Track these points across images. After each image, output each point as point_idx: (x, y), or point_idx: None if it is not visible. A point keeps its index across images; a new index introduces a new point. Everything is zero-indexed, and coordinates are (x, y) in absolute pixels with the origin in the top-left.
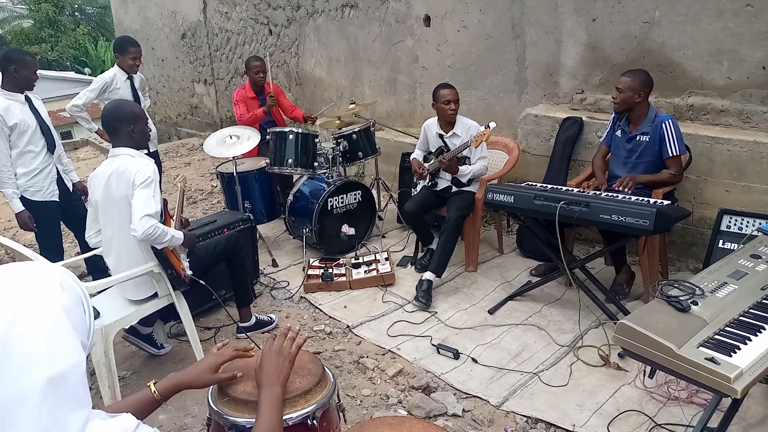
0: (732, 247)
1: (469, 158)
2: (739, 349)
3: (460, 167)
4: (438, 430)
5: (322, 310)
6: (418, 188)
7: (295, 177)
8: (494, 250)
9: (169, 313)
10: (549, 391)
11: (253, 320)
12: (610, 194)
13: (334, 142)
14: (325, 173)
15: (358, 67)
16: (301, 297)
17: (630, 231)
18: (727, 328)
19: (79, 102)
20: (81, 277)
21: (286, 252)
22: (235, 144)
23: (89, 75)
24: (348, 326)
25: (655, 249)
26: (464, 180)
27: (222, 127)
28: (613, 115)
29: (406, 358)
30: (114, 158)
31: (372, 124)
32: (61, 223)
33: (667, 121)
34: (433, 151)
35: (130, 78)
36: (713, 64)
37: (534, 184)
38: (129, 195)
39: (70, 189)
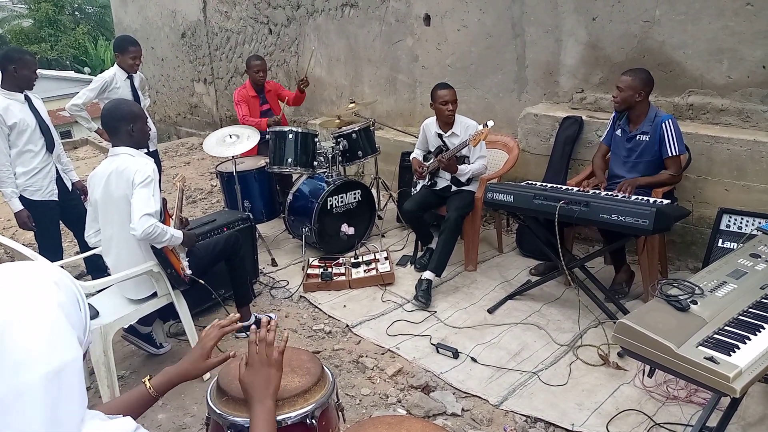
0: (731, 247)
1: (468, 157)
2: (739, 348)
3: (459, 166)
4: (437, 429)
5: (321, 310)
6: (418, 187)
7: (295, 176)
8: (494, 249)
9: (168, 313)
10: (548, 391)
11: (252, 319)
12: (609, 194)
13: (334, 141)
14: (324, 172)
15: (358, 66)
16: (301, 296)
17: (629, 230)
18: (726, 328)
19: (78, 101)
20: (80, 276)
21: (286, 251)
22: (234, 143)
23: (89, 74)
24: (347, 325)
25: (655, 248)
26: (463, 179)
27: (221, 127)
28: (613, 114)
29: (405, 357)
30: (113, 157)
31: (372, 124)
32: (61, 222)
33: (667, 121)
34: (432, 150)
35: (130, 77)
36: (713, 63)
37: (534, 183)
38: (128, 194)
39: (70, 188)
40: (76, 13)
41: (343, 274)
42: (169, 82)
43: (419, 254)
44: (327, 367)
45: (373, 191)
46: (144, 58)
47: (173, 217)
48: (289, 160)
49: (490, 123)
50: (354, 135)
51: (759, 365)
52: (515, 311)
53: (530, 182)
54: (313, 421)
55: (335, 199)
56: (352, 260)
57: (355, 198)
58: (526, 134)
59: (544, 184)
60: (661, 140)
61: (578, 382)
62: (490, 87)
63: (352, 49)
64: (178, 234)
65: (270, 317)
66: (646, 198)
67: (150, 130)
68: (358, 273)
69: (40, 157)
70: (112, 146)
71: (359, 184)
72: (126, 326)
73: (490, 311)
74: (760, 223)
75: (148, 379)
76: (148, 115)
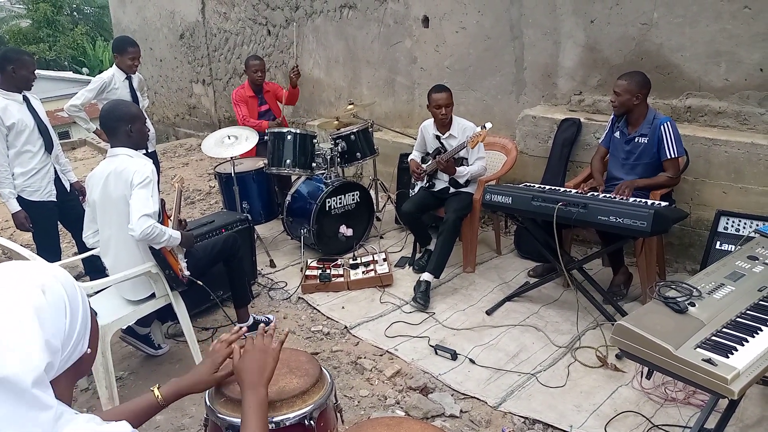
0: (729, 249)
1: (466, 159)
2: (737, 350)
3: (457, 168)
4: (436, 430)
5: (319, 311)
6: (416, 189)
7: (294, 177)
8: (492, 251)
9: (166, 314)
10: (546, 392)
11: (250, 321)
12: (607, 195)
13: (333, 142)
14: (323, 174)
15: (357, 67)
16: (299, 298)
17: (627, 232)
18: (724, 330)
19: (77, 102)
20: (78, 277)
21: (284, 252)
22: (233, 144)
23: (87, 75)
24: (346, 327)
25: (653, 250)
26: (462, 181)
27: (220, 128)
28: (611, 116)
29: (403, 358)
30: (112, 158)
31: (370, 125)
32: (59, 223)
33: (665, 124)
34: (430, 152)
35: (129, 78)
36: (711, 65)
37: (532, 185)
38: (127, 195)
39: (68, 189)
40: (75, 13)
41: (341, 276)
42: (168, 83)
43: (417, 256)
44: (325, 368)
45: (372, 193)
46: (142, 58)
47: (171, 218)
48: (288, 161)
49: (488, 125)
50: (352, 136)
51: (757, 367)
52: (513, 313)
53: (528, 184)
54: (312, 422)
55: (334, 200)
56: (351, 261)
57: (353, 199)
58: (524, 136)
59: (542, 185)
60: (660, 142)
61: (576, 384)
62: (488, 89)
63: (350, 51)
64: (177, 235)
65: (268, 318)
66: (644, 200)
67: (148, 130)
68: (356, 274)
69: (39, 157)
70: (111, 147)
71: (358, 185)
72: (124, 327)
73: (489, 313)
74: (757, 225)
75: (158, 388)
76: (146, 116)
